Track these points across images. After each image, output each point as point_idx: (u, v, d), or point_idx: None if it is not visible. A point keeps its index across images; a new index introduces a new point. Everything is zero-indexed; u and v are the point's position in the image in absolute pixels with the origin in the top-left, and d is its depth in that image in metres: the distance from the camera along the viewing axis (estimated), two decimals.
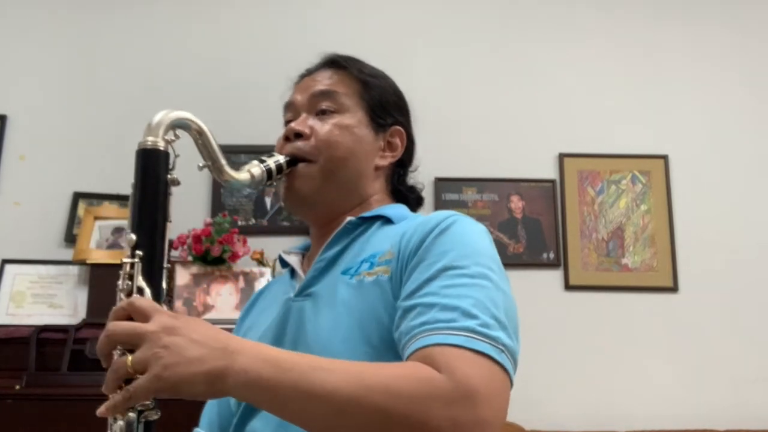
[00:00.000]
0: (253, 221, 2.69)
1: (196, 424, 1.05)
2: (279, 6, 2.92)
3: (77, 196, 2.65)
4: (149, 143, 0.84)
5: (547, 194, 2.76)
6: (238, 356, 0.71)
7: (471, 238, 0.90)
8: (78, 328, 2.18)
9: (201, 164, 0.91)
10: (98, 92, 2.80)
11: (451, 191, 2.74)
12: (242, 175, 0.95)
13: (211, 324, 0.75)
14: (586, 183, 2.77)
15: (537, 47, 2.92)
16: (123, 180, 2.95)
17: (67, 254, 2.50)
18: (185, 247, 2.37)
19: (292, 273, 1.08)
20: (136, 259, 0.79)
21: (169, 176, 0.84)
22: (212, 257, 2.35)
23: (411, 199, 1.14)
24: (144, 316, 0.72)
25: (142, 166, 0.84)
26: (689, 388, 2.57)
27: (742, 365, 2.59)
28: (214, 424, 1.02)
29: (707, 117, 2.85)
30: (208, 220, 2.45)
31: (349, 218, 1.02)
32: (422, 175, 2.93)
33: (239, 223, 2.59)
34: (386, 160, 1.09)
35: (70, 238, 2.57)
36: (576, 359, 2.59)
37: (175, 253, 2.41)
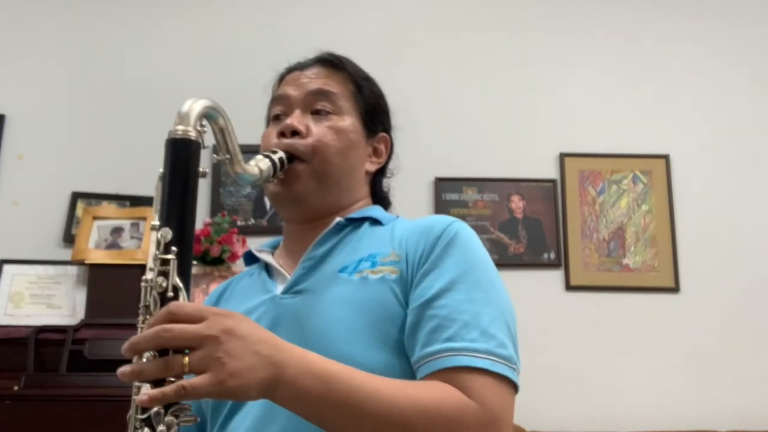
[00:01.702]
0: (252, 221, 2.68)
1: None
2: (278, 6, 2.91)
3: (76, 196, 2.64)
4: (180, 132, 0.80)
5: (547, 194, 2.75)
6: (287, 366, 0.73)
7: (475, 247, 0.95)
8: (77, 328, 2.16)
9: (217, 156, 0.89)
10: (97, 92, 2.79)
11: (451, 191, 2.73)
12: (253, 170, 0.93)
13: (255, 323, 0.76)
14: (587, 183, 2.76)
15: (538, 47, 2.91)
16: (121, 180, 2.96)
17: (66, 254, 2.49)
18: None
19: (268, 270, 1.07)
20: (172, 256, 0.75)
21: (200, 169, 0.81)
22: (211, 257, 2.34)
23: (385, 204, 1.15)
24: (193, 320, 0.71)
25: (172, 157, 0.79)
26: (691, 389, 2.56)
27: (744, 366, 2.58)
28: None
29: (708, 117, 2.85)
30: (208, 220, 2.44)
31: (338, 219, 1.02)
32: (423, 175, 2.91)
33: (239, 223, 2.58)
34: (374, 166, 1.11)
35: (69, 238, 2.56)
36: (577, 360, 2.59)
37: None
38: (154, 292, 0.74)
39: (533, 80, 2.87)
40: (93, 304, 2.27)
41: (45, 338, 2.14)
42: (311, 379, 0.74)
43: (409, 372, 0.87)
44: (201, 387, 0.67)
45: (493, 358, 0.83)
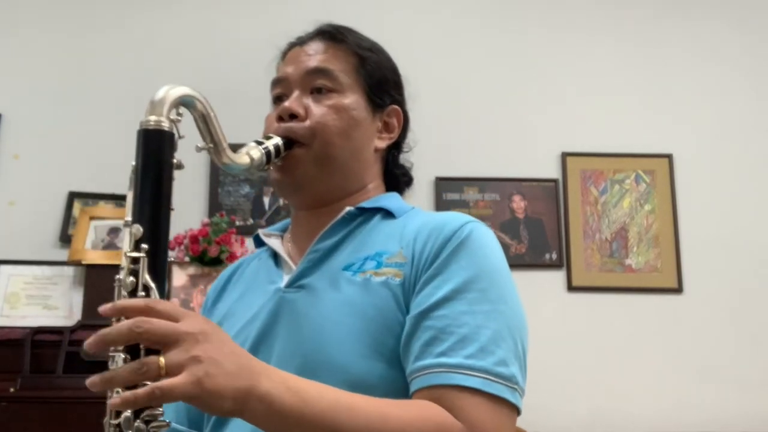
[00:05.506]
0: (251, 221, 2.66)
1: None
2: (280, 5, 2.89)
3: (72, 196, 2.62)
4: (152, 123, 0.77)
5: (549, 194, 2.73)
6: (262, 378, 0.69)
7: (488, 252, 0.89)
8: (73, 329, 2.15)
9: (200, 146, 0.85)
10: (93, 91, 2.76)
11: (452, 191, 2.71)
12: (242, 159, 0.88)
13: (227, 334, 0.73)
14: (589, 182, 2.74)
15: (539, 46, 2.90)
16: (118, 179, 2.93)
17: (63, 255, 2.47)
18: (182, 247, 2.34)
19: (275, 258, 1.02)
20: (142, 254, 0.71)
21: (174, 160, 0.77)
22: (209, 258, 2.32)
23: (402, 181, 1.09)
24: (170, 318, 0.67)
25: (144, 149, 0.76)
26: (693, 391, 2.55)
27: (748, 367, 2.57)
28: (181, 412, 0.98)
29: (712, 116, 2.83)
30: (206, 220, 2.42)
31: (348, 208, 0.97)
32: (423, 174, 2.89)
33: (237, 223, 2.55)
34: (384, 142, 1.04)
35: (66, 239, 2.54)
36: (579, 361, 2.57)
37: (171, 254, 2.38)
38: (124, 292, 0.71)
39: (535, 79, 2.86)
40: (90, 305, 2.25)
41: (41, 339, 2.13)
42: (287, 394, 0.69)
43: (403, 385, 0.83)
44: (177, 387, 0.63)
45: (489, 377, 0.79)
